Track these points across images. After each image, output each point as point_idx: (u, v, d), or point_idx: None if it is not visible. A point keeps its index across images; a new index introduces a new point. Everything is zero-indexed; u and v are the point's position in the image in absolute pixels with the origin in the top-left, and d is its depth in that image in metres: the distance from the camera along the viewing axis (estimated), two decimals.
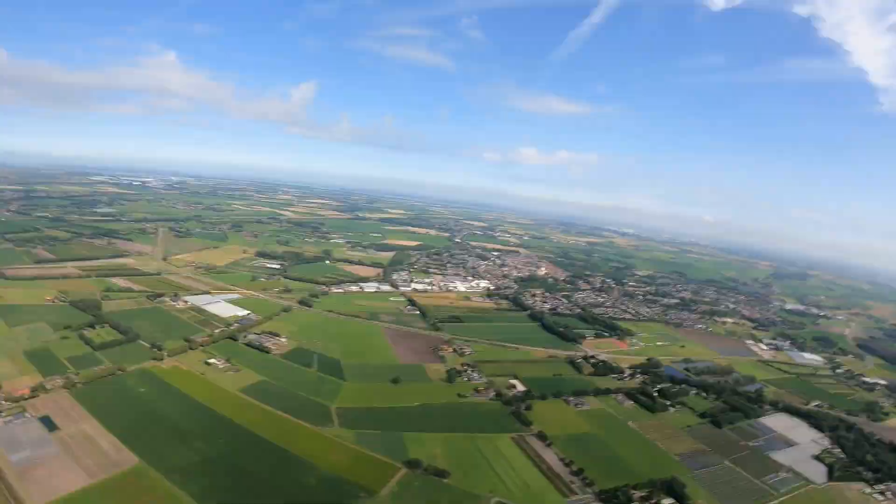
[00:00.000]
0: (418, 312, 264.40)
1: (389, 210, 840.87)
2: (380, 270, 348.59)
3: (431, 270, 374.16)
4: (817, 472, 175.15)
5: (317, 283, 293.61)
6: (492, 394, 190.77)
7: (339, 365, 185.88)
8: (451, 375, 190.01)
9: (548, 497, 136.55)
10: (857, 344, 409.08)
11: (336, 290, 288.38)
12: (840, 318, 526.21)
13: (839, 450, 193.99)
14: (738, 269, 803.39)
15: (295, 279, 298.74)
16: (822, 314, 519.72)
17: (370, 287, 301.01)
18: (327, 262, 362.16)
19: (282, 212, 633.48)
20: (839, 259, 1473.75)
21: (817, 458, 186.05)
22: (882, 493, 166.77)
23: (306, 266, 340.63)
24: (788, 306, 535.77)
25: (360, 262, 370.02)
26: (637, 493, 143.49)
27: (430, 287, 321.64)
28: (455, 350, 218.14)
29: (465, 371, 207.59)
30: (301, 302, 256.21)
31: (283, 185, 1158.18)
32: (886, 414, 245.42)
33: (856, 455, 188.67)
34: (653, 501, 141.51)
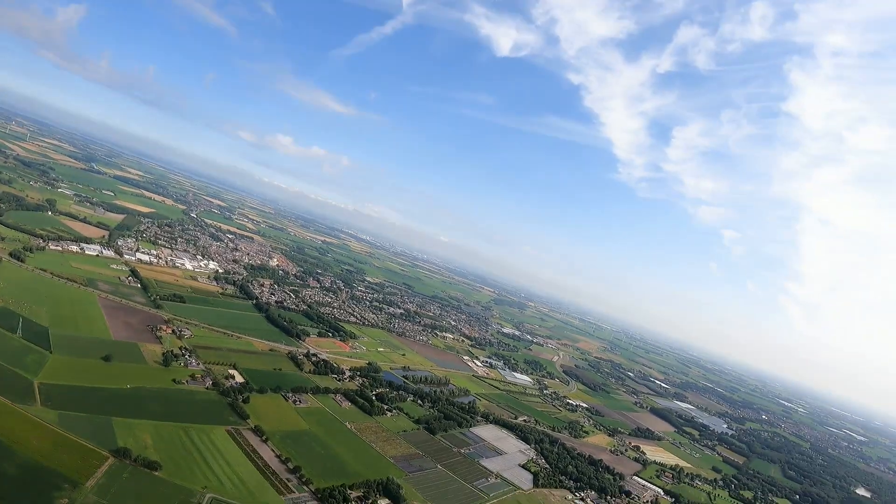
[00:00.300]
0: (139, 285, 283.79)
1: (129, 169, 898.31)
2: (105, 233, 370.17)
3: (160, 242, 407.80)
4: (524, 479, 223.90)
5: (34, 235, 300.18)
6: (209, 382, 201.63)
7: (46, 333, 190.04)
8: (168, 359, 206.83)
9: (264, 494, 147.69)
10: (564, 370, 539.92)
11: (54, 247, 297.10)
12: (551, 345, 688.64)
13: (543, 460, 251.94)
14: (464, 291, 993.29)
15: (10, 227, 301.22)
16: (534, 341, 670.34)
17: (92, 250, 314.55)
18: (49, 213, 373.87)
19: (10, 145, 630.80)
20: (554, 295, 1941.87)
21: (524, 466, 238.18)
22: (582, 499, 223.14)
23: (25, 213, 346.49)
24: (505, 330, 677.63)
25: (85, 220, 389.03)
26: (354, 493, 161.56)
27: (156, 260, 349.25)
28: (174, 331, 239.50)
29: (183, 355, 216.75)
30: (12, 254, 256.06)
31: (19, 114, 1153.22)
32: (586, 432, 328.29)
33: (559, 465, 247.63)
34: (369, 501, 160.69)
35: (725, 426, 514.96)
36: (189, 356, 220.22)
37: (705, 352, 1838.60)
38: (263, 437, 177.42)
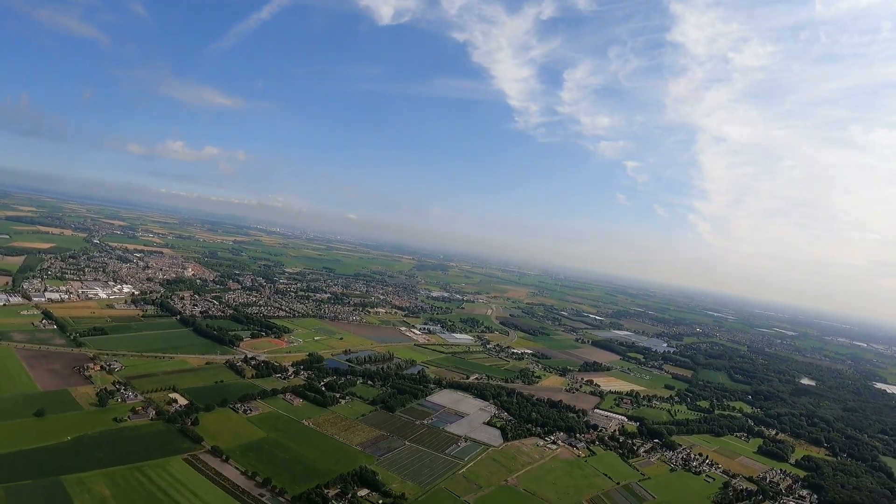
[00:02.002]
0: (56, 326, 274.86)
1: (19, 207, 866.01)
2: (8, 279, 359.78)
3: (68, 276, 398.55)
4: (493, 436, 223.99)
5: None
6: (152, 413, 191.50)
7: None
8: (103, 398, 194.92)
9: None
10: (500, 321, 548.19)
11: None
12: (481, 300, 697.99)
13: (506, 413, 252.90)
14: (384, 263, 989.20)
15: None
16: (465, 299, 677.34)
17: None
18: None
19: None
20: (473, 251, 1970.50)
21: (489, 423, 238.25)
22: (554, 442, 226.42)
23: None
24: (434, 293, 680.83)
25: None
26: (331, 492, 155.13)
27: (67, 296, 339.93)
28: (103, 367, 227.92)
29: (118, 390, 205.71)
30: None
31: None
32: (538, 377, 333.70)
33: (522, 415, 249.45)
34: (348, 496, 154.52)
35: (665, 345, 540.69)
36: (125, 390, 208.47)
37: (628, 279, 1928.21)
38: (223, 457, 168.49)
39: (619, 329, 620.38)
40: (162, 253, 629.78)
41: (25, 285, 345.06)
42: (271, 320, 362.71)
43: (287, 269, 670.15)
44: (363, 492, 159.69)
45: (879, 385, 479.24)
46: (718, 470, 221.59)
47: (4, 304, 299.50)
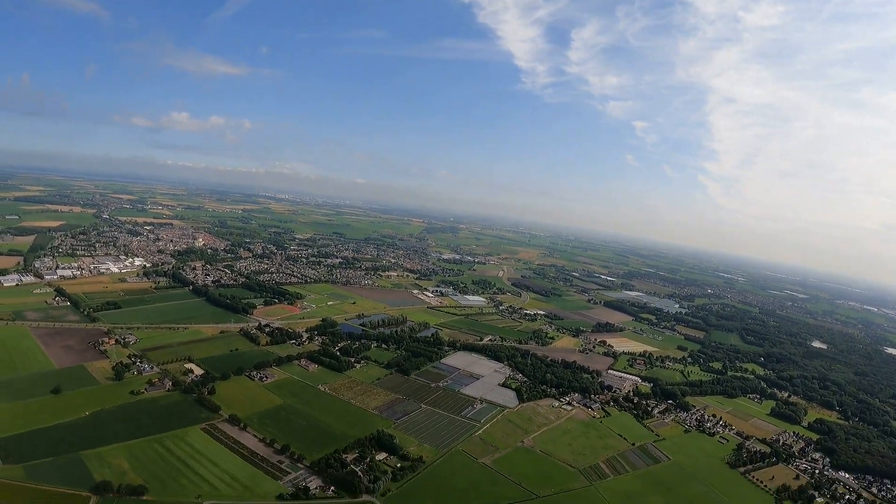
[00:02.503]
0: (69, 303, 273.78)
1: (27, 187, 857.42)
2: (19, 259, 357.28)
3: (79, 253, 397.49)
4: (508, 397, 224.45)
5: None
6: (168, 384, 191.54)
7: None
8: (119, 371, 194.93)
9: (259, 484, 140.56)
10: (512, 283, 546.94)
11: None
12: (493, 262, 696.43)
13: (521, 374, 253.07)
14: (394, 227, 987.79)
15: None
16: (476, 260, 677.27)
17: (10, 281, 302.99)
18: None
19: None
20: (482, 213, 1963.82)
21: (504, 385, 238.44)
22: (569, 403, 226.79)
23: None
24: (445, 256, 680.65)
25: None
26: (349, 456, 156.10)
27: (79, 272, 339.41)
28: (118, 341, 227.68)
29: (134, 363, 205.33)
30: None
31: None
32: (552, 338, 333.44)
33: (537, 376, 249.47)
34: (367, 460, 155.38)
35: (677, 306, 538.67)
36: (140, 362, 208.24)
37: (638, 240, 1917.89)
38: (241, 425, 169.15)
39: (630, 290, 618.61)
40: (172, 224, 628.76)
41: (37, 264, 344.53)
42: (284, 287, 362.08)
43: (297, 236, 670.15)
44: (381, 455, 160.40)
45: (890, 350, 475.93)
46: (732, 431, 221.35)
47: (17, 284, 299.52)
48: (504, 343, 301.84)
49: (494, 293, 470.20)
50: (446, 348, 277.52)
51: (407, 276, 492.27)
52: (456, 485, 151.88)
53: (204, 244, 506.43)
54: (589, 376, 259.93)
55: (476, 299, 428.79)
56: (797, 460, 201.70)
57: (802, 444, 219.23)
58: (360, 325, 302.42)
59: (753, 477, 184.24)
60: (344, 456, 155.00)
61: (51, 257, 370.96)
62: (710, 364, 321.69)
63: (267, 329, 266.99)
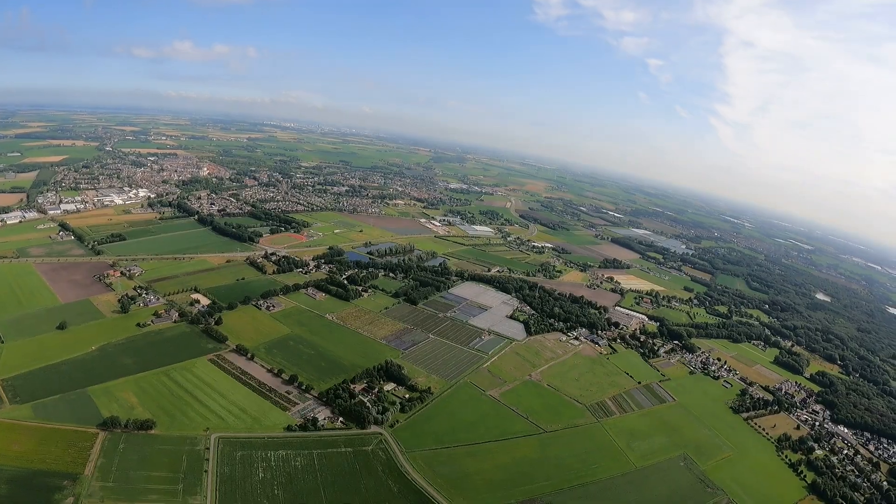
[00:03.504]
0: (73, 237, 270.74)
1: (29, 124, 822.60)
2: (23, 195, 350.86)
3: (82, 186, 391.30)
4: (516, 330, 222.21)
5: None
6: (175, 315, 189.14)
7: None
8: (125, 304, 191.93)
9: (268, 415, 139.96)
10: (520, 214, 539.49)
11: None
12: (500, 193, 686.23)
13: (528, 307, 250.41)
14: (401, 156, 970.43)
15: None
16: (483, 191, 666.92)
17: (13, 218, 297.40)
18: None
19: None
20: (490, 146, 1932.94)
21: (512, 317, 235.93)
22: (576, 338, 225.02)
23: None
24: (452, 185, 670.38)
25: None
26: (358, 387, 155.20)
27: (83, 206, 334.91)
28: (123, 273, 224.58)
29: (140, 295, 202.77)
30: None
31: None
32: (559, 272, 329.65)
33: (544, 309, 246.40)
34: (375, 390, 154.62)
35: (684, 247, 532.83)
36: (146, 294, 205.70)
37: (646, 180, 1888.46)
38: (248, 355, 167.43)
39: (637, 228, 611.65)
40: (176, 155, 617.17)
41: (40, 199, 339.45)
42: (290, 215, 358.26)
43: (303, 164, 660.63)
44: (389, 386, 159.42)
45: (892, 309, 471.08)
46: (736, 376, 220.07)
47: (20, 221, 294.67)
48: (512, 275, 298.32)
49: (502, 224, 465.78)
50: (454, 278, 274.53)
51: (414, 204, 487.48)
52: (464, 417, 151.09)
53: (209, 173, 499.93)
54: (596, 312, 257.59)
55: (483, 230, 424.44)
56: (798, 410, 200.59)
57: (804, 394, 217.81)
58: (368, 253, 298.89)
59: (756, 423, 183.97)
60: (352, 386, 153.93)
61: (54, 192, 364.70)
62: (716, 307, 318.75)
63: (273, 257, 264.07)
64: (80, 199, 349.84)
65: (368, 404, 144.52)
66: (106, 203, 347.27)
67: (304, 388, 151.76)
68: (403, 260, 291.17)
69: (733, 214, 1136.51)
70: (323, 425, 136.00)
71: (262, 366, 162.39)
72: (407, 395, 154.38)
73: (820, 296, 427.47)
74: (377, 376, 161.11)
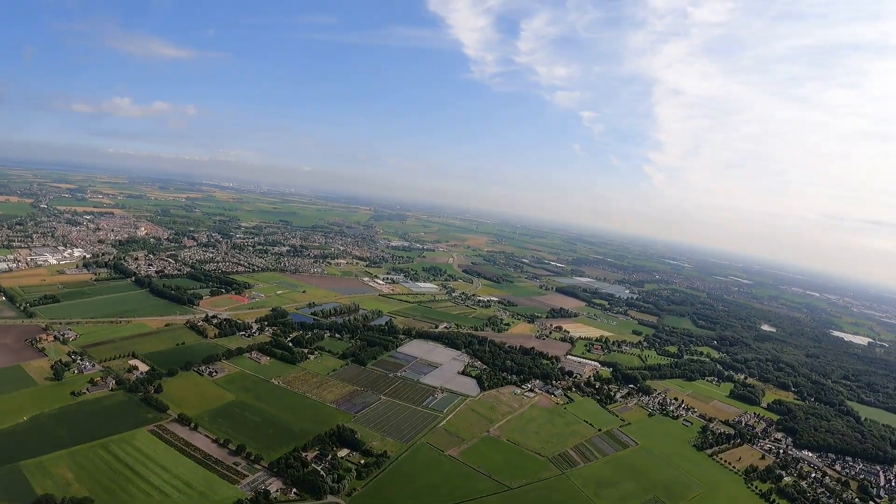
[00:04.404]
0: (4, 298, 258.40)
1: None
2: None
3: (15, 244, 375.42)
4: (469, 386, 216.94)
5: None
6: (112, 383, 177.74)
7: None
8: (59, 371, 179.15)
9: (216, 489, 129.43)
10: (463, 269, 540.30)
11: None
12: (442, 249, 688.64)
13: (480, 362, 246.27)
14: (342, 215, 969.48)
15: None
16: (425, 247, 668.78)
17: None
18: None
19: None
20: (429, 201, 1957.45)
21: (463, 373, 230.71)
22: (531, 389, 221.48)
23: None
24: (394, 243, 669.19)
25: None
26: (310, 454, 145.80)
27: (15, 265, 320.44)
28: (57, 337, 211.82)
29: (75, 361, 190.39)
30: None
31: None
32: (507, 324, 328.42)
33: (496, 363, 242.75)
34: (328, 458, 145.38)
35: (628, 292, 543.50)
36: (81, 360, 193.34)
37: (585, 228, 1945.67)
38: (192, 425, 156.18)
39: (580, 276, 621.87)
40: (113, 214, 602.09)
41: None
42: (231, 276, 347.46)
43: (243, 224, 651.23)
44: (343, 452, 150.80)
45: (836, 333, 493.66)
46: (695, 414, 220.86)
47: None
48: (460, 330, 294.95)
49: (446, 280, 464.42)
50: (402, 336, 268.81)
51: (356, 263, 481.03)
52: (425, 480, 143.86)
53: (146, 233, 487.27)
54: (549, 362, 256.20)
55: (428, 286, 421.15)
56: (761, 440, 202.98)
57: (764, 424, 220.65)
58: (312, 314, 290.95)
59: (721, 458, 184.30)
60: (304, 454, 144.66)
61: None
62: (666, 348, 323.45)
63: (215, 320, 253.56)
64: (12, 257, 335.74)
65: (322, 473, 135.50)
66: (39, 263, 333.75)
67: (252, 458, 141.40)
68: (349, 320, 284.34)
69: (672, 256, 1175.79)
70: (276, 498, 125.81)
71: (207, 436, 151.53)
72: (363, 461, 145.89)
73: (765, 327, 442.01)
74: (329, 442, 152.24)
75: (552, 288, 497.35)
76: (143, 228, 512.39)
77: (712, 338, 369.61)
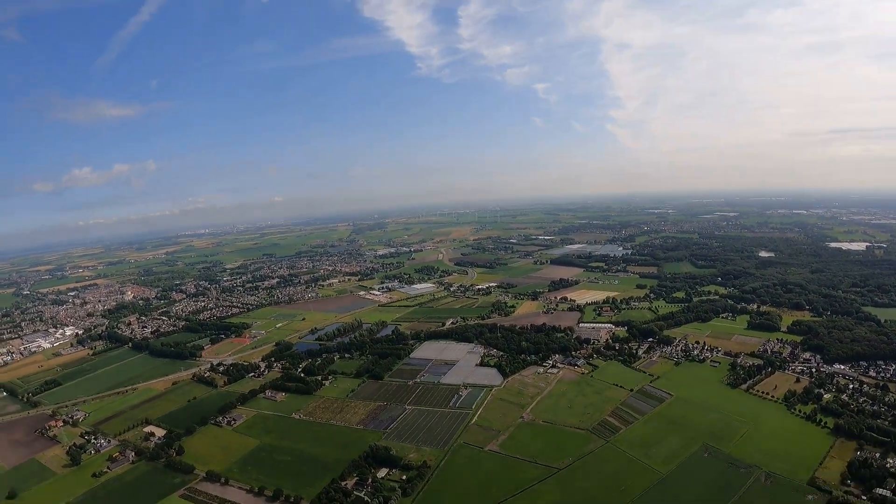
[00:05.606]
0: (5, 393, 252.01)
1: None
2: None
3: (6, 336, 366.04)
4: (491, 376, 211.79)
5: None
6: (131, 455, 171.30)
7: None
8: (75, 455, 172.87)
9: None
10: (455, 263, 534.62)
11: None
12: (429, 248, 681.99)
13: (495, 349, 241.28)
14: (322, 236, 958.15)
15: None
16: (412, 250, 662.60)
17: None
18: None
19: None
20: (405, 205, 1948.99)
21: (482, 364, 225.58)
22: (553, 365, 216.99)
23: None
24: (380, 252, 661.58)
25: None
26: (349, 482, 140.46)
27: (9, 358, 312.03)
28: (66, 421, 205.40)
29: (89, 442, 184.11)
30: None
31: None
32: (513, 307, 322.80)
33: (512, 347, 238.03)
34: (368, 481, 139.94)
35: (621, 249, 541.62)
36: (96, 438, 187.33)
37: (563, 197, 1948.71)
38: (222, 480, 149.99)
39: (571, 244, 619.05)
40: (97, 285, 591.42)
41: None
42: (227, 320, 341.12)
43: (227, 266, 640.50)
44: (382, 472, 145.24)
45: (833, 244, 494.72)
46: (719, 353, 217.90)
47: None
48: (468, 322, 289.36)
49: (440, 276, 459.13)
50: (411, 342, 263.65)
51: (348, 279, 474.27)
52: (471, 480, 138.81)
53: (134, 296, 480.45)
54: (563, 334, 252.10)
55: (424, 286, 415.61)
56: (791, 364, 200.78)
57: (789, 348, 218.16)
58: (317, 339, 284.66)
59: (757, 390, 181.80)
60: (343, 483, 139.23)
61: None
62: (673, 295, 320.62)
63: (221, 368, 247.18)
64: (4, 350, 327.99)
65: (367, 498, 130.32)
66: (33, 349, 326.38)
67: (292, 500, 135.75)
68: (355, 337, 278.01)
69: (654, 206, 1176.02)
70: None
71: (241, 488, 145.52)
72: (404, 476, 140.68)
73: (763, 253, 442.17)
74: (365, 465, 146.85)
75: (546, 261, 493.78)
76: (129, 292, 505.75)
77: (715, 275, 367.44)
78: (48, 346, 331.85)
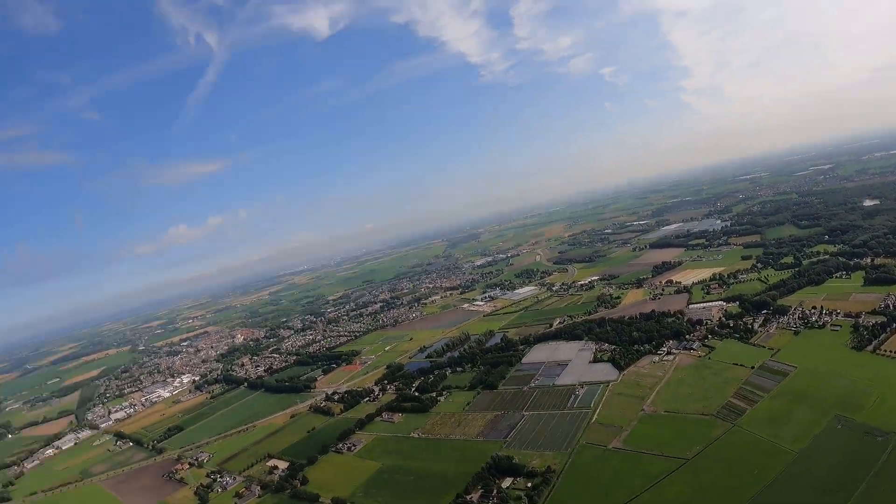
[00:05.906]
0: (132, 443, 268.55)
1: (59, 349, 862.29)
2: (71, 417, 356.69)
3: (127, 391, 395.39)
4: (605, 371, 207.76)
5: (5, 466, 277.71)
6: (257, 490, 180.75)
7: None
8: (203, 495, 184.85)
9: None
10: (553, 262, 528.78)
11: (31, 465, 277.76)
12: (525, 251, 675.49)
13: (607, 344, 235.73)
14: (418, 256, 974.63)
15: None
16: (509, 255, 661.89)
17: (68, 442, 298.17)
18: (10, 435, 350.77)
19: None
20: (495, 211, 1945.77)
21: (595, 361, 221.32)
22: (668, 352, 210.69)
23: None
24: (478, 263, 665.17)
25: (45, 420, 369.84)
26: (474, 496, 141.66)
27: (132, 410, 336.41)
28: (192, 464, 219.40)
29: (216, 481, 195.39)
30: None
31: None
32: (618, 298, 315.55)
33: (623, 339, 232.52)
34: (494, 493, 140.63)
35: (720, 222, 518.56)
36: (221, 477, 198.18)
37: (649, 179, 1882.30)
38: None
39: (667, 225, 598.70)
40: (207, 332, 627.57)
41: (89, 416, 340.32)
42: (336, 350, 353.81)
43: (330, 298, 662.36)
44: (506, 482, 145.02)
45: None
46: (839, 315, 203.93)
47: (75, 444, 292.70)
48: (575, 320, 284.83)
49: (541, 277, 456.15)
50: (521, 347, 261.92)
51: (451, 294, 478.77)
52: (599, 480, 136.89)
53: (244, 338, 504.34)
54: (674, 319, 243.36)
55: (526, 290, 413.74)
56: None
57: None
58: (426, 357, 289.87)
59: (884, 350, 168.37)
60: (468, 497, 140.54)
61: (101, 405, 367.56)
62: (782, 261, 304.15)
63: (336, 396, 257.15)
64: (127, 404, 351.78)
65: None
66: (154, 400, 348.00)
67: None
68: (464, 350, 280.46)
69: (745, 172, 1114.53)
70: None
71: None
72: (529, 484, 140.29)
73: (867, 202, 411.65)
74: (489, 476, 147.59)
75: (645, 246, 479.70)
76: (239, 335, 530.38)
77: (822, 234, 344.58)
78: (168, 395, 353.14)
